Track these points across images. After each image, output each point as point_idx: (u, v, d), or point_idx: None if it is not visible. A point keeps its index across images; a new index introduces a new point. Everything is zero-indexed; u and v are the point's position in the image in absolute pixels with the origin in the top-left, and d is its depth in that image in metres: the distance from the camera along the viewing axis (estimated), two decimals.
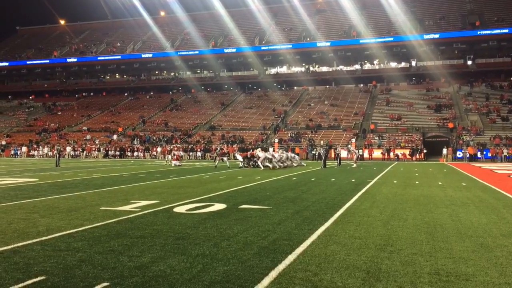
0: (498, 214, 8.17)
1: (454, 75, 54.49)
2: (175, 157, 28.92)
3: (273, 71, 66.27)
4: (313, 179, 16.61)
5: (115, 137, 50.66)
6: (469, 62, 56.97)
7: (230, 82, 66.32)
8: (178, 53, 66.85)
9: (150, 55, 69.01)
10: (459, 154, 36.84)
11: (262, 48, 63.83)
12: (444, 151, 36.65)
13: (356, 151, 28.86)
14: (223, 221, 7.39)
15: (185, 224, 7.07)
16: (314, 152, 37.01)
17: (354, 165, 26.87)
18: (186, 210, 8.56)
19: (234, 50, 64.99)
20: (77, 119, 60.35)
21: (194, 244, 5.71)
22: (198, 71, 70.14)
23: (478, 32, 55.88)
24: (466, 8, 62.45)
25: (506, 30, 54.82)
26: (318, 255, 5.22)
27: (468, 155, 35.76)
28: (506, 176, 18.33)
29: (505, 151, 35.55)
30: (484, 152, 36.47)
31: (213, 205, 9.27)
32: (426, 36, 56.71)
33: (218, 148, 34.02)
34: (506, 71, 54.82)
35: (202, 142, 45.86)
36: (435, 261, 4.98)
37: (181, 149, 39.88)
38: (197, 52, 66.20)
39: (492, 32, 55.40)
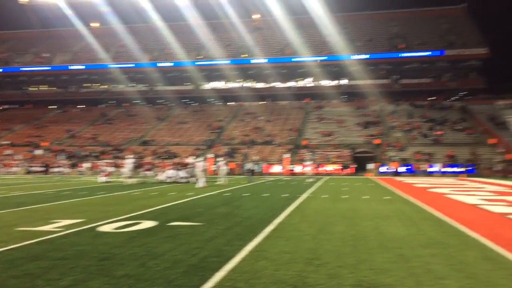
0: (417, 226, 8.67)
1: (381, 93, 57.69)
2: (106, 173, 27.92)
3: (210, 85, 66.27)
4: (246, 194, 16.69)
5: (38, 151, 47.84)
6: (395, 82, 60.65)
7: (166, 96, 65.39)
8: (112, 65, 64.98)
9: (82, 67, 66.60)
10: (384, 169, 38.84)
11: (200, 62, 63.87)
12: (371, 166, 38.46)
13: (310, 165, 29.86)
14: (152, 239, 7.20)
15: (111, 244, 6.80)
16: (247, 167, 37.17)
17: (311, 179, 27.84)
18: (113, 229, 8.24)
19: (171, 64, 64.44)
20: None
21: (119, 265, 5.50)
22: (133, 84, 68.47)
23: (403, 54, 60.00)
24: (392, 31, 66.60)
25: (428, 53, 59.24)
26: (247, 271, 5.23)
27: (392, 170, 37.84)
28: (424, 190, 19.53)
29: (424, 166, 38.00)
30: (407, 167, 38.74)
31: (143, 222, 9.00)
32: (356, 56, 59.76)
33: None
34: (427, 91, 58.97)
35: (135, 157, 44.54)
36: (358, 272, 5.17)
37: (112, 165, 38.51)
38: (133, 65, 64.84)
39: (415, 54, 59.67)
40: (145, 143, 49.74)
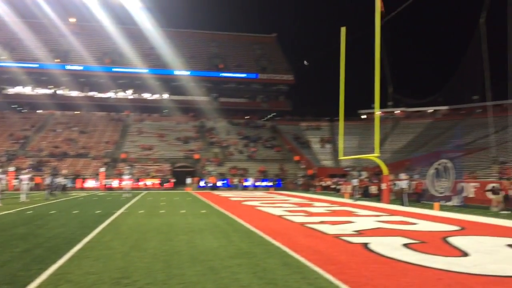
0: (228, 238, 9.10)
1: (201, 110, 59.56)
2: None
3: (14, 90, 58.61)
4: (53, 212, 15.17)
5: None
6: (214, 100, 63.43)
7: None
8: None
9: None
10: (203, 183, 40.08)
11: (1, 64, 55.95)
12: (190, 180, 39.25)
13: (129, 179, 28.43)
14: None
15: None
16: (47, 182, 32.40)
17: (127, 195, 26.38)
18: None
19: None
20: None
21: None
22: None
23: (222, 74, 63.38)
24: (212, 51, 69.63)
25: (244, 75, 63.82)
26: None
27: (210, 184, 39.31)
28: (239, 203, 20.76)
29: (236, 180, 40.49)
30: (224, 181, 40.71)
31: None
32: (179, 72, 60.56)
33: None
34: (243, 110, 63.29)
35: None
36: None
37: None
38: None
39: (233, 75, 63.67)
40: None
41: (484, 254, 7.42)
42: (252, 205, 19.30)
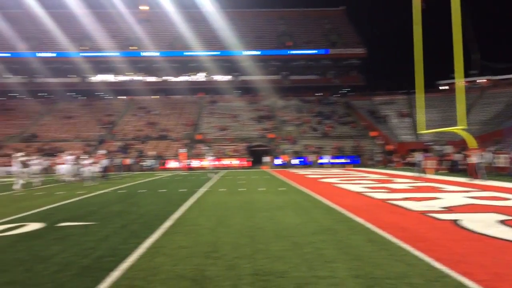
0: (309, 215, 9.18)
1: (272, 89, 59.74)
2: None
3: (98, 78, 62.74)
4: (142, 190, 16.21)
5: None
6: (285, 78, 63.23)
7: (49, 89, 60.46)
8: None
9: None
10: (279, 161, 40.45)
11: (86, 54, 59.99)
12: (266, 159, 39.78)
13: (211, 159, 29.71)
14: (39, 242, 6.67)
15: None
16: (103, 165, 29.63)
17: None
18: None
19: (54, 54, 59.62)
20: None
21: (2, 271, 5.02)
22: (9, 76, 62.02)
23: (292, 52, 62.80)
24: (280, 29, 69.16)
25: (314, 51, 62.74)
26: (144, 268, 5.12)
27: (285, 162, 39.57)
28: (315, 180, 20.73)
29: (313, 157, 40.24)
30: (300, 159, 40.74)
31: (28, 225, 8.28)
32: (248, 52, 61.02)
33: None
34: (315, 87, 62.46)
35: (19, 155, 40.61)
36: (255, 262, 5.33)
37: None
38: (9, 54, 58.86)
39: (302, 52, 62.84)
40: (26, 139, 45.55)
41: None
42: (329, 182, 19.18)
